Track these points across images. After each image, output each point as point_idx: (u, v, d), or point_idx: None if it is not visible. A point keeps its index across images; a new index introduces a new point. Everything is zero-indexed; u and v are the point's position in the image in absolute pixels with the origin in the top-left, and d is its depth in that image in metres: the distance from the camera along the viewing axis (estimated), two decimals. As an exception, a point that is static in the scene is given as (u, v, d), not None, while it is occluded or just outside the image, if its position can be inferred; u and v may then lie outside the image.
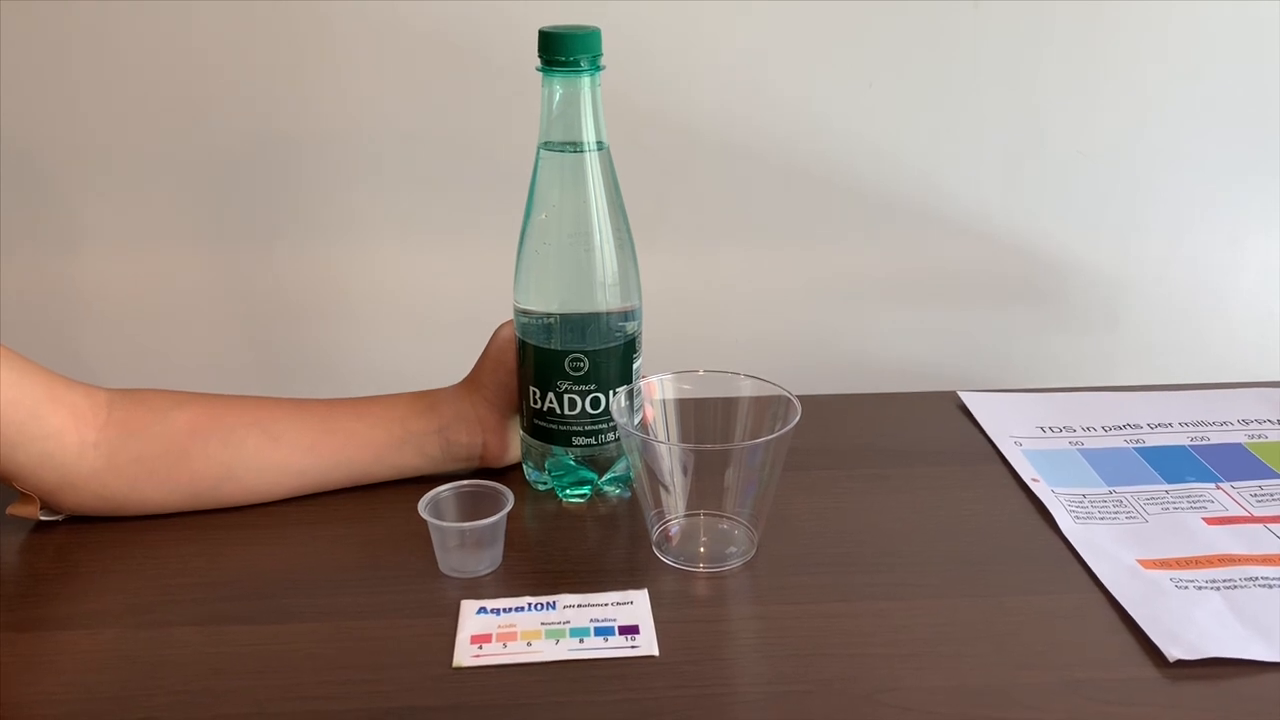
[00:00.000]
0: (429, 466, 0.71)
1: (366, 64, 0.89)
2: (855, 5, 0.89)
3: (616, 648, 0.56)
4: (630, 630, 0.57)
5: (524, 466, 0.72)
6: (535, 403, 0.68)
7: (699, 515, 0.65)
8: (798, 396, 0.63)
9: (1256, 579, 0.61)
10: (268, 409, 0.69)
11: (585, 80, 0.63)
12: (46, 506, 0.66)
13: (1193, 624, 0.57)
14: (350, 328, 0.97)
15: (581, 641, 0.57)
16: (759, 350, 0.95)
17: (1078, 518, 0.68)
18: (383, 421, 0.70)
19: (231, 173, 0.92)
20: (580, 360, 0.66)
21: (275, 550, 0.65)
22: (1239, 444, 0.77)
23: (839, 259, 0.97)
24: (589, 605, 0.59)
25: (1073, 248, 0.98)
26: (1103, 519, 0.68)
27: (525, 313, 0.67)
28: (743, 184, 0.94)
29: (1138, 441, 0.77)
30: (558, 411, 0.67)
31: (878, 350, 0.99)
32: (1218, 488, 0.71)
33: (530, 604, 0.59)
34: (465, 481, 0.65)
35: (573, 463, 0.69)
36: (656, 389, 0.67)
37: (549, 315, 0.66)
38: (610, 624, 0.58)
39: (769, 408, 0.64)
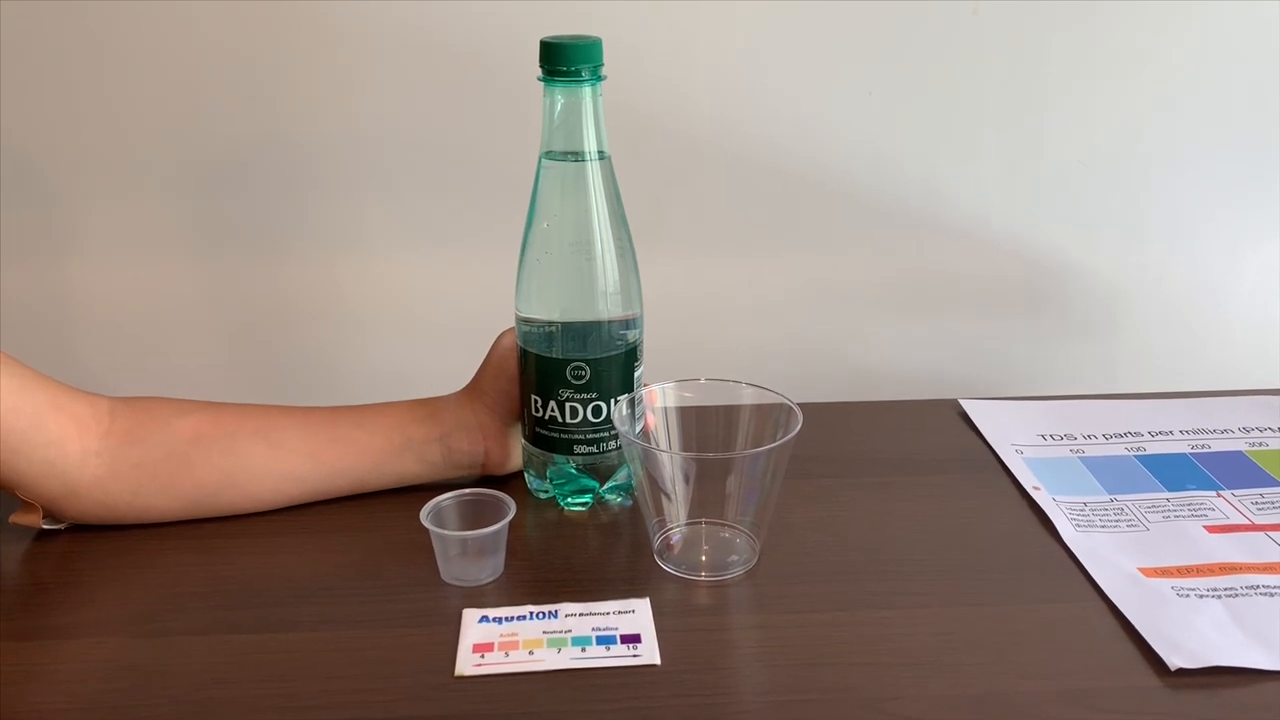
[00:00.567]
0: (430, 474, 0.71)
1: (369, 73, 0.89)
2: (855, 13, 0.89)
3: (618, 657, 0.56)
4: (632, 639, 0.57)
5: (525, 475, 0.72)
6: (537, 411, 0.68)
7: (701, 524, 0.65)
8: (799, 404, 0.63)
9: (1258, 587, 0.61)
10: (270, 417, 0.69)
11: (587, 90, 0.63)
12: (49, 515, 0.66)
13: (1194, 632, 0.57)
14: (352, 335, 0.97)
15: (583, 650, 0.57)
16: (760, 358, 0.96)
17: (1079, 526, 0.68)
18: (384, 429, 0.70)
19: (234, 180, 0.93)
20: (582, 368, 0.66)
21: (277, 559, 0.65)
22: (1240, 452, 0.77)
23: (840, 267, 0.97)
24: (591, 614, 0.59)
25: (1073, 255, 0.98)
26: (1104, 527, 0.68)
27: (527, 321, 0.67)
28: (744, 192, 0.94)
29: (1139, 449, 0.77)
30: (559, 420, 0.67)
31: (879, 358, 0.99)
32: (1219, 495, 0.71)
33: (532, 613, 0.59)
34: (467, 490, 0.65)
35: (574, 471, 0.69)
36: (658, 397, 0.67)
37: (550, 324, 0.66)
38: (612, 633, 0.58)
39: (770, 416, 0.64)
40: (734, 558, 0.64)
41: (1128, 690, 0.54)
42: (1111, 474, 0.74)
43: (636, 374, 0.68)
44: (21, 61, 0.88)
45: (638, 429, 0.67)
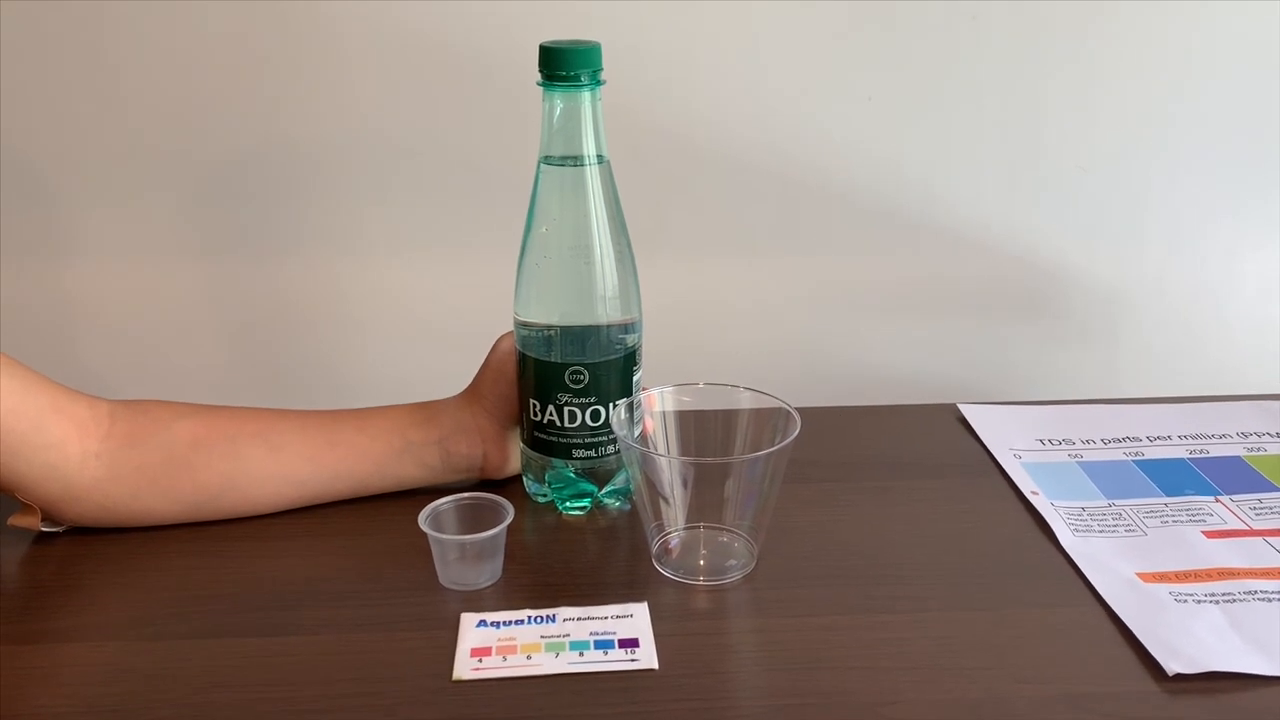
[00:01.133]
0: (429, 477, 0.71)
1: (370, 77, 0.89)
2: (855, 19, 0.89)
3: (616, 661, 0.56)
4: (630, 643, 0.57)
5: (524, 479, 0.72)
6: (535, 415, 0.68)
7: (699, 528, 0.65)
8: (797, 409, 0.63)
9: (1256, 592, 0.61)
10: (269, 420, 0.69)
11: (586, 95, 0.63)
12: (48, 518, 0.66)
13: (1192, 637, 0.57)
14: (352, 338, 0.98)
15: (581, 655, 0.57)
16: (759, 363, 0.96)
17: (1077, 530, 0.68)
18: (383, 432, 0.70)
19: (234, 184, 0.93)
20: (580, 373, 0.66)
21: (276, 563, 0.65)
22: (1238, 457, 0.77)
23: (839, 271, 0.97)
24: (589, 618, 0.59)
25: (1072, 259, 0.98)
26: (1102, 532, 0.68)
27: (526, 325, 0.67)
28: (743, 197, 0.94)
29: (1137, 454, 0.77)
30: (558, 424, 0.67)
31: (878, 363, 1.00)
32: (1217, 501, 0.71)
33: (530, 617, 0.60)
34: (465, 494, 0.65)
35: (573, 475, 0.69)
36: (656, 401, 0.67)
37: (549, 328, 0.66)
38: (610, 637, 0.58)
39: (769, 420, 0.64)
40: (732, 562, 0.64)
41: (1125, 695, 0.54)
42: (1110, 479, 0.74)
43: (635, 378, 0.69)
44: (22, 63, 0.88)
45: (636, 433, 0.67)
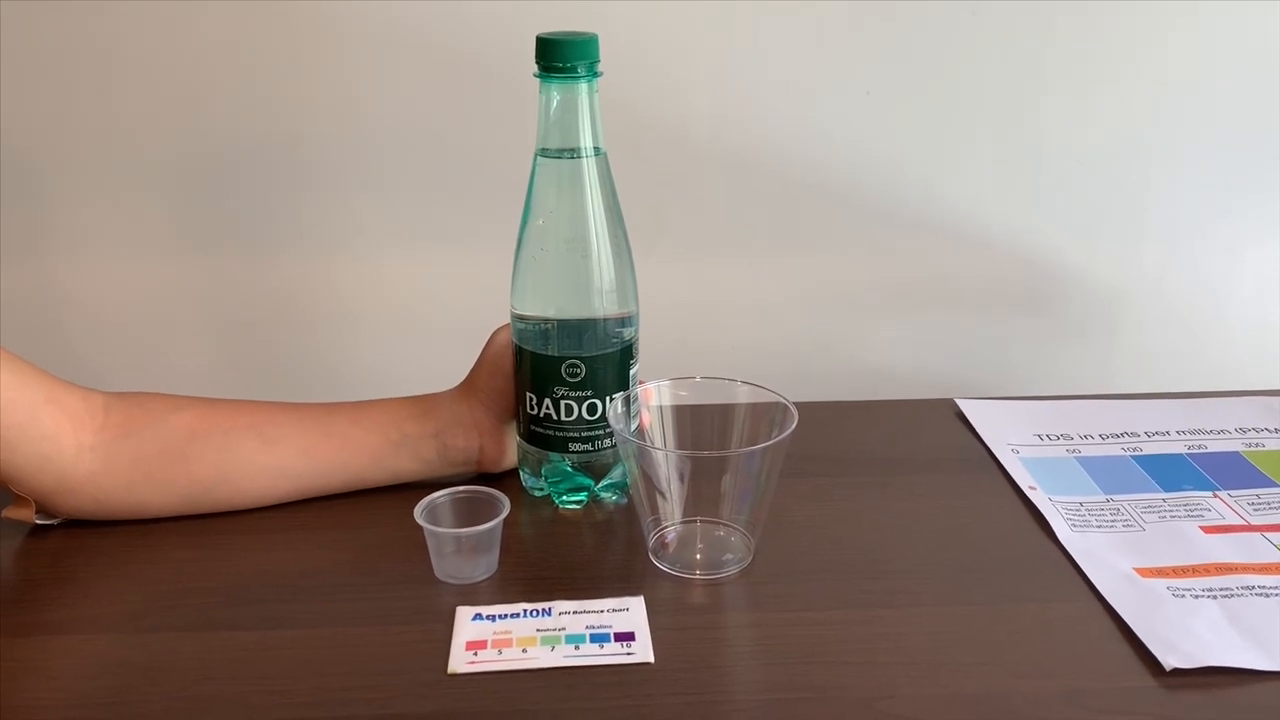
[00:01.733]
0: (425, 471, 0.71)
1: (365, 70, 0.89)
2: (853, 13, 0.89)
3: (612, 655, 0.56)
4: (626, 637, 0.57)
5: (520, 472, 0.72)
6: (532, 409, 0.68)
7: (695, 522, 0.65)
8: (795, 403, 0.63)
9: (1253, 588, 0.61)
10: (264, 413, 0.69)
11: (582, 87, 0.63)
12: (42, 510, 0.66)
13: (1189, 633, 0.57)
14: (348, 332, 0.97)
15: (577, 648, 0.56)
16: (756, 357, 0.96)
17: (1075, 526, 0.68)
18: (379, 425, 0.70)
19: (229, 178, 0.92)
20: (577, 366, 0.66)
21: (271, 556, 0.65)
22: (1236, 452, 0.77)
23: (836, 266, 0.97)
24: (585, 612, 0.59)
25: (1071, 256, 0.98)
26: (1100, 527, 0.68)
27: (522, 318, 0.67)
28: (740, 191, 0.94)
29: (1135, 450, 0.77)
30: (554, 417, 0.67)
31: (875, 357, 0.99)
32: (1215, 496, 0.71)
33: (526, 610, 0.59)
34: (461, 487, 0.65)
35: (569, 469, 0.69)
36: (653, 395, 0.67)
37: (546, 321, 0.66)
38: (606, 631, 0.58)
39: (766, 414, 0.64)
40: (729, 556, 0.64)
41: (1123, 690, 0.54)
42: (1108, 474, 0.74)
43: (632, 372, 0.68)
44: (19, 60, 0.87)
45: (633, 427, 0.67)
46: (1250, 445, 0.78)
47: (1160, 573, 0.63)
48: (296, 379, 0.97)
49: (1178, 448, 0.77)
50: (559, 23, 0.66)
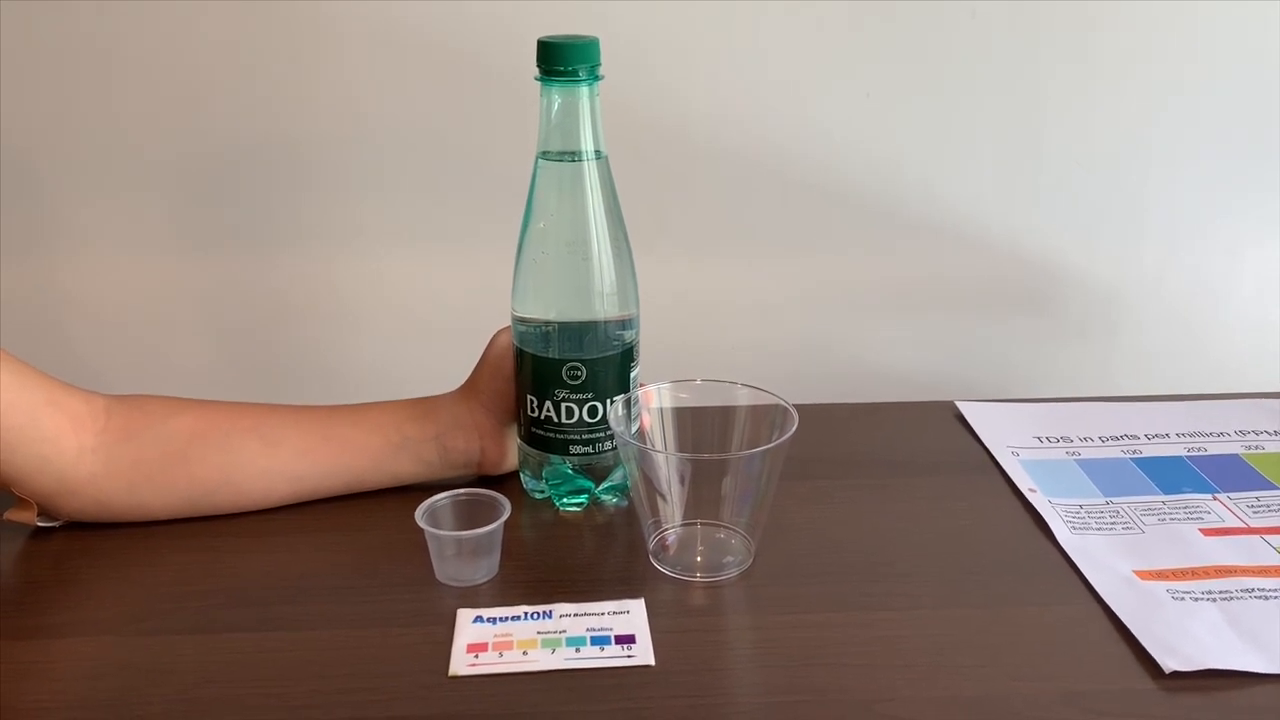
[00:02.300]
0: (426, 473, 0.71)
1: (366, 72, 0.89)
2: (853, 15, 0.89)
3: (612, 657, 0.56)
4: (626, 640, 0.57)
5: (521, 475, 0.72)
6: (533, 411, 0.68)
7: (696, 524, 0.65)
8: (795, 406, 0.63)
9: (1253, 590, 0.61)
10: (265, 415, 0.69)
11: (583, 90, 0.63)
12: (44, 513, 0.66)
13: (1189, 635, 0.57)
14: (349, 334, 0.97)
15: (578, 651, 0.57)
16: (756, 359, 0.96)
17: (1074, 528, 0.68)
18: (380, 428, 0.70)
19: (230, 179, 0.92)
20: (578, 369, 0.66)
21: (271, 558, 0.65)
22: (1236, 455, 0.77)
23: (837, 268, 0.97)
24: (585, 614, 0.59)
25: (1070, 257, 0.98)
26: (1099, 529, 0.68)
27: (523, 321, 0.67)
28: (741, 193, 0.94)
29: (1135, 452, 0.77)
30: (555, 420, 0.67)
31: (875, 360, 0.99)
32: (1214, 499, 0.71)
33: (526, 613, 0.59)
34: (462, 490, 0.65)
35: (570, 471, 0.69)
36: (654, 398, 0.67)
37: (547, 324, 0.66)
38: (606, 633, 0.58)
39: (766, 417, 0.64)
40: (729, 559, 0.64)
41: (1122, 693, 0.54)
42: (1107, 476, 0.74)
43: (633, 374, 0.68)
44: (19, 60, 0.87)
45: (634, 429, 0.67)
46: (1250, 448, 0.78)
47: (1160, 575, 0.63)
48: (297, 380, 0.97)
49: (1177, 450, 0.78)
50: (560, 25, 0.66)
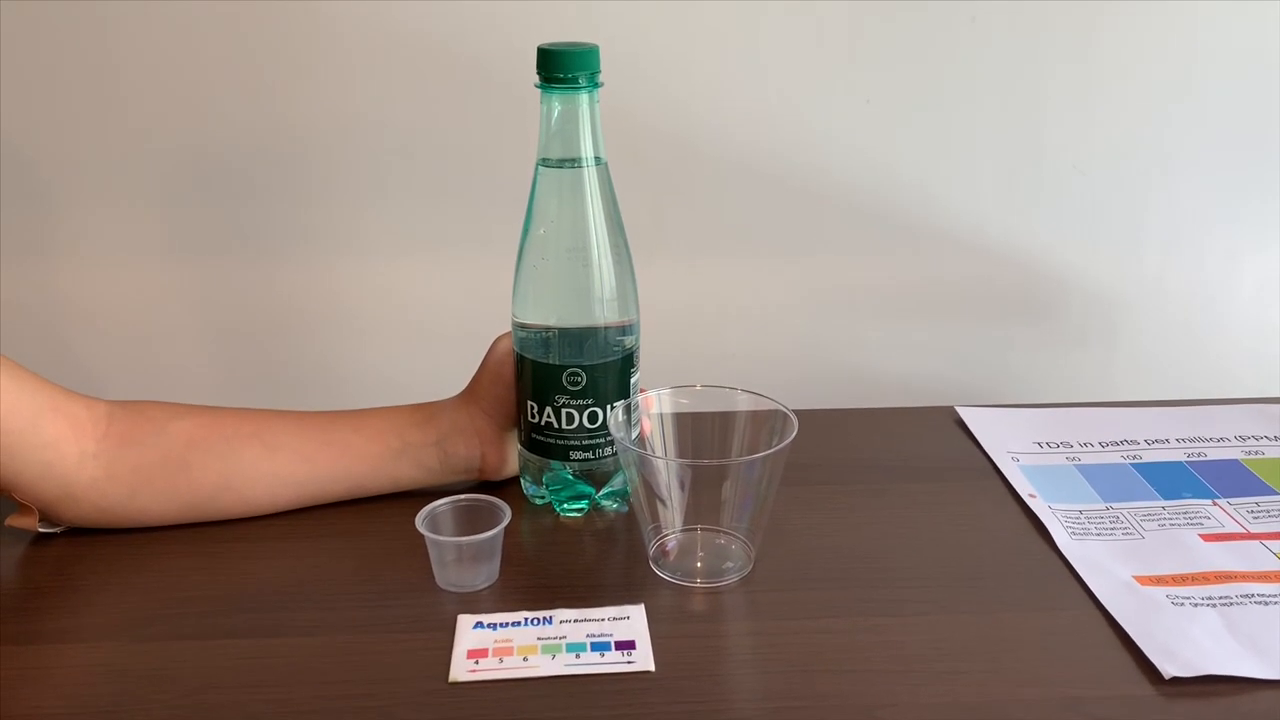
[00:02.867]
0: (427, 478, 0.71)
1: (368, 78, 0.89)
2: (853, 21, 0.89)
3: (613, 663, 0.56)
4: (626, 645, 0.57)
5: (521, 480, 0.72)
6: (533, 417, 0.68)
7: (696, 530, 0.65)
8: (795, 411, 0.63)
9: (1253, 596, 0.61)
10: (266, 420, 0.69)
11: (583, 97, 0.63)
12: (45, 518, 0.66)
13: (1189, 641, 0.57)
14: (350, 340, 0.98)
15: (578, 657, 0.57)
16: (756, 365, 0.96)
17: (1074, 534, 0.68)
18: (380, 433, 0.70)
19: (232, 184, 0.93)
20: (578, 375, 0.66)
21: (272, 564, 0.65)
22: (1236, 460, 0.77)
23: (837, 274, 0.97)
24: (585, 620, 0.59)
25: (1070, 262, 0.98)
26: (1099, 535, 0.68)
27: (523, 327, 0.67)
28: (741, 199, 0.94)
29: (1135, 458, 0.77)
30: (555, 426, 0.67)
31: (875, 365, 1.00)
32: (1215, 504, 0.71)
33: (527, 619, 0.60)
34: (463, 495, 0.65)
35: (570, 477, 0.69)
36: (654, 403, 0.67)
37: (547, 330, 0.66)
38: (607, 639, 0.58)
39: (766, 422, 0.64)
40: (729, 564, 0.64)
41: (1122, 699, 0.54)
42: (1107, 482, 0.74)
43: (633, 380, 0.69)
44: (20, 64, 0.88)
45: (634, 435, 0.67)
46: (1250, 453, 0.78)
47: (1160, 581, 0.63)
48: (298, 386, 0.97)
49: (1177, 456, 0.78)
50: (560, 33, 0.66)
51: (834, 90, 0.92)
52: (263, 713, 0.53)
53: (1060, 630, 0.59)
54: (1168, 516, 0.70)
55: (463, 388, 0.72)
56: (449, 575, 0.63)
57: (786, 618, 0.60)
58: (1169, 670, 0.55)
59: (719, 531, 0.65)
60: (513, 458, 0.72)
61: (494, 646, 0.57)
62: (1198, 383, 0.98)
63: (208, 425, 0.68)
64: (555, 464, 0.69)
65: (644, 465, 0.63)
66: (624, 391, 0.68)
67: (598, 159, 0.65)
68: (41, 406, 0.63)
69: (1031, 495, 0.72)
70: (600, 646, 0.57)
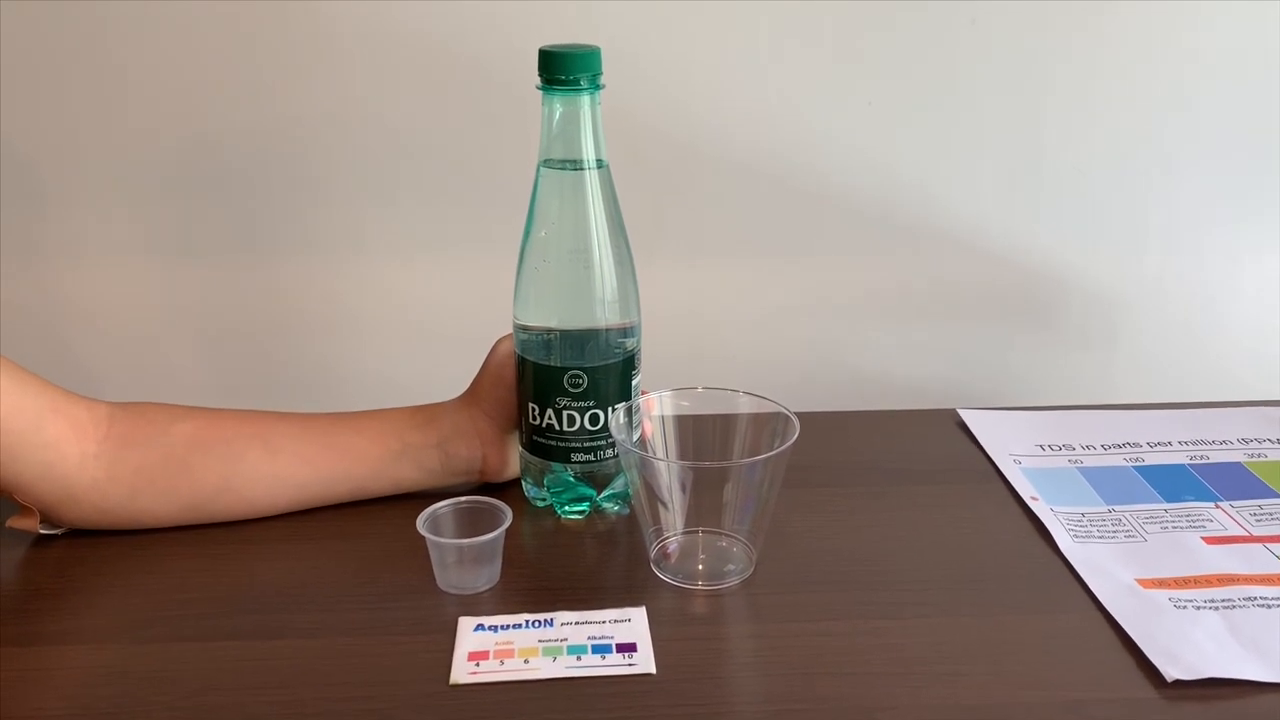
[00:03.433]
0: (428, 480, 0.71)
1: (369, 80, 0.90)
2: (854, 23, 0.89)
3: (614, 666, 0.56)
4: (627, 648, 0.57)
5: (523, 483, 0.72)
6: (534, 419, 0.68)
7: (697, 532, 0.65)
8: (796, 413, 0.63)
9: (1255, 599, 0.61)
10: (267, 422, 0.69)
11: (585, 99, 0.63)
12: (46, 520, 0.66)
13: (1191, 644, 0.57)
14: (351, 342, 0.98)
15: (579, 659, 0.57)
16: (758, 367, 0.96)
17: (1076, 536, 0.68)
18: (381, 435, 0.70)
19: (233, 186, 0.93)
20: (579, 377, 0.66)
21: (273, 565, 0.65)
22: (1238, 463, 0.77)
23: (838, 275, 0.97)
24: (586, 623, 0.59)
25: (1072, 264, 0.98)
26: (1101, 538, 0.68)
27: (525, 329, 0.67)
28: (742, 201, 0.94)
29: (1137, 460, 0.77)
30: (556, 428, 0.67)
31: (877, 367, 0.99)
32: (1217, 507, 0.71)
33: (528, 621, 0.59)
34: (464, 498, 0.65)
35: (571, 479, 0.69)
36: (655, 405, 0.67)
37: (548, 332, 0.66)
38: (608, 642, 0.58)
39: (768, 425, 0.64)
40: (730, 567, 0.64)
41: (1124, 701, 0.54)
42: (1110, 485, 0.74)
43: (634, 382, 0.68)
44: (19, 64, 0.88)
45: (635, 437, 0.67)
46: (1252, 456, 0.78)
47: (1162, 584, 0.63)
48: (299, 388, 0.97)
49: (1180, 458, 0.77)
50: (562, 34, 0.66)
51: (834, 92, 0.92)
52: (264, 714, 0.53)
53: (1062, 633, 0.59)
54: (1170, 519, 0.70)
55: (464, 390, 0.72)
56: (450, 577, 0.63)
57: (788, 620, 0.60)
58: (1171, 673, 0.55)
59: (720, 534, 0.65)
60: (514, 460, 0.72)
61: (495, 649, 0.57)
62: (1198, 384, 0.98)
63: (209, 427, 0.68)
64: (556, 466, 0.68)
65: (645, 467, 0.63)
66: (625, 393, 0.68)
67: (599, 161, 0.65)
68: (42, 408, 0.63)
69: (1034, 498, 0.72)
70: (601, 649, 0.57)
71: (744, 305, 0.97)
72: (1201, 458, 0.77)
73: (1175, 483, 0.74)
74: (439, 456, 0.70)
